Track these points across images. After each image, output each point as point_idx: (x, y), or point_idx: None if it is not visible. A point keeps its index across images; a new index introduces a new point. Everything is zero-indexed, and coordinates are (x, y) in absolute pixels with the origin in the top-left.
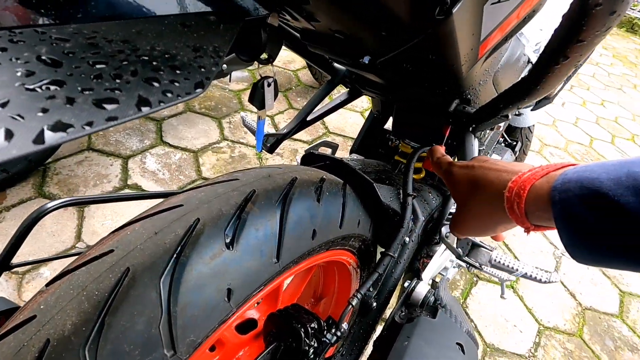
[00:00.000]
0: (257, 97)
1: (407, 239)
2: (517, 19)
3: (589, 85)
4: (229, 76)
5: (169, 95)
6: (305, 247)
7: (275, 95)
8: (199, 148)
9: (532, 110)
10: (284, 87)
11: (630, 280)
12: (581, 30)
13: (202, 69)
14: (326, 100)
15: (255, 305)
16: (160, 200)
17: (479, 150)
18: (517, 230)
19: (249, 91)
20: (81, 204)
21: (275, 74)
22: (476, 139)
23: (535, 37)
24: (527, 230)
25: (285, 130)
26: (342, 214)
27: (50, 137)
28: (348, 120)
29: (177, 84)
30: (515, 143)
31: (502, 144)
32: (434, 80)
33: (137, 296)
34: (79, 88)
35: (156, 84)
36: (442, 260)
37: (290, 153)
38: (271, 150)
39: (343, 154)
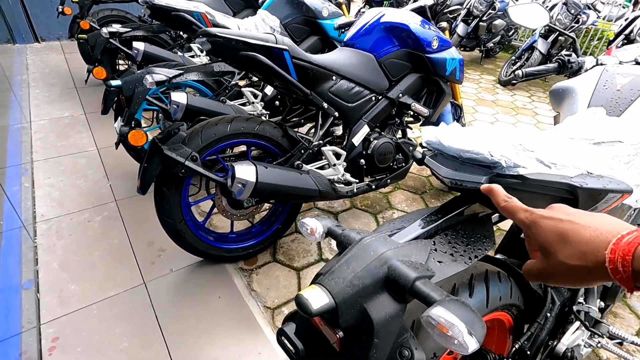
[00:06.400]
0: None
1: (549, 314)
2: None
3: None
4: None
5: None
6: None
7: None
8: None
9: None
10: (419, 190)
11: None
12: None
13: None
14: None
15: None
16: None
17: None
18: None
19: (394, 193)
20: None
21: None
22: None
23: None
24: (631, 291)
25: None
26: (511, 291)
27: None
28: None
29: None
30: None
31: None
32: None
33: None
34: None
35: None
36: (576, 335)
37: None
38: None
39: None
